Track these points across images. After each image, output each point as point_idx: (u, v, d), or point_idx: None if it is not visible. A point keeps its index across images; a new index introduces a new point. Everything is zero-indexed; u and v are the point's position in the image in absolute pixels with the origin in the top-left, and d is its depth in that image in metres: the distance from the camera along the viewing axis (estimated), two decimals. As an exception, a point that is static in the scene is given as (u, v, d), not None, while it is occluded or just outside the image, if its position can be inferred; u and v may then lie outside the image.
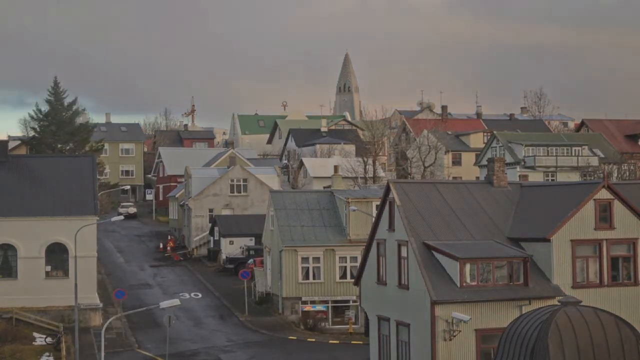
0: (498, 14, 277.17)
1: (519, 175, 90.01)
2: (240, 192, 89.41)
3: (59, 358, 52.22)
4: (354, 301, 58.81)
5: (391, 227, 39.72)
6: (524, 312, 31.64)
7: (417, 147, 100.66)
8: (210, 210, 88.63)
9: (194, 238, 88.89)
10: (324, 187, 79.79)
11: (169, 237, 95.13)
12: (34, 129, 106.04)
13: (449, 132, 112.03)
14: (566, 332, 25.01)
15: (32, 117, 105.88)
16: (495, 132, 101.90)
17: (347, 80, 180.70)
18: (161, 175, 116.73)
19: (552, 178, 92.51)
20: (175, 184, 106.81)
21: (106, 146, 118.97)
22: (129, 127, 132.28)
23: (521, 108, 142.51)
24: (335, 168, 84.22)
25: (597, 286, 37.92)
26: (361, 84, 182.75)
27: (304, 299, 61.95)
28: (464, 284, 36.12)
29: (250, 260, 73.99)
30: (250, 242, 79.59)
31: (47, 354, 53.34)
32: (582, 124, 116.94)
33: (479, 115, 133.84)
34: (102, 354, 40.27)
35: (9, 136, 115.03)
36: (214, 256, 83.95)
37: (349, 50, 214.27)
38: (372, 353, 41.73)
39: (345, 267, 61.82)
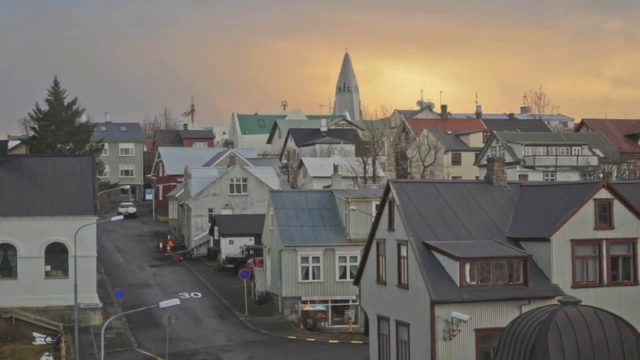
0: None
1: (519, 175, 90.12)
2: (240, 192, 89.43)
3: (59, 358, 52.23)
4: (354, 301, 58.82)
5: (391, 226, 39.71)
6: (523, 312, 31.62)
7: (417, 146, 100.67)
8: (210, 210, 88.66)
9: (193, 238, 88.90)
10: (324, 187, 79.80)
11: (169, 237, 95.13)
12: (33, 128, 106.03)
13: (449, 132, 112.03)
14: (566, 332, 25.00)
15: (32, 117, 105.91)
16: (495, 131, 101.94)
17: (347, 80, 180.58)
18: (161, 175, 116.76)
19: (552, 178, 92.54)
20: (175, 183, 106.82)
21: (106, 146, 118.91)
22: (129, 127, 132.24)
23: (521, 108, 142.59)
24: (335, 168, 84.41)
25: (597, 286, 37.90)
26: (361, 84, 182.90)
27: (303, 298, 61.99)
28: (464, 284, 36.11)
29: (250, 260, 74.02)
30: (250, 241, 79.60)
31: (47, 353, 53.38)
32: (582, 123, 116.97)
33: (478, 115, 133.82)
34: (102, 353, 40.34)
35: (8, 136, 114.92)
36: (213, 256, 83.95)
37: (348, 50, 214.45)
38: (372, 353, 41.72)
39: (345, 266, 61.85)
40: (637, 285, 38.50)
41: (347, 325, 60.44)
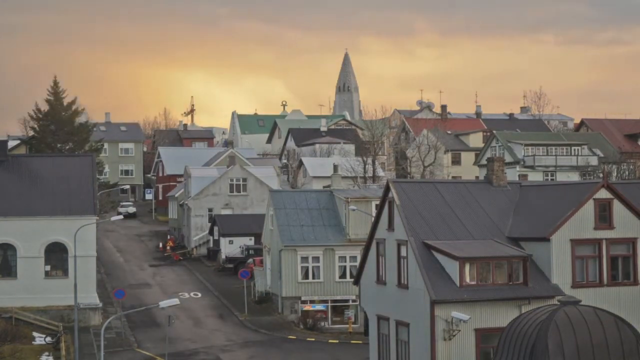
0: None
1: (519, 175, 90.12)
2: (240, 192, 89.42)
3: (59, 357, 52.24)
4: (354, 301, 58.82)
5: (391, 226, 39.70)
6: (523, 312, 31.63)
7: (417, 146, 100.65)
8: (210, 210, 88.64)
9: (193, 237, 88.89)
10: (324, 187, 79.87)
11: (169, 237, 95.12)
12: (33, 128, 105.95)
13: (449, 132, 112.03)
14: (565, 332, 25.00)
15: (31, 117, 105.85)
16: (494, 131, 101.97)
17: (346, 79, 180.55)
18: (161, 174, 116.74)
19: (552, 178, 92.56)
20: (174, 183, 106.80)
21: (106, 146, 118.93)
22: (129, 127, 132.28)
23: (521, 108, 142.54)
24: (335, 167, 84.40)
25: (597, 286, 37.90)
26: (361, 83, 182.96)
27: (303, 298, 62.00)
28: (464, 284, 36.11)
29: (250, 260, 74.00)
30: (249, 241, 79.59)
31: (47, 353, 53.40)
32: (582, 123, 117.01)
33: (478, 114, 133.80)
34: (102, 353, 40.27)
35: (8, 136, 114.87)
36: (213, 256, 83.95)
37: (348, 50, 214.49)
38: (372, 353, 41.71)
39: (345, 266, 61.85)
40: (637, 285, 38.51)
41: (347, 325, 60.43)
